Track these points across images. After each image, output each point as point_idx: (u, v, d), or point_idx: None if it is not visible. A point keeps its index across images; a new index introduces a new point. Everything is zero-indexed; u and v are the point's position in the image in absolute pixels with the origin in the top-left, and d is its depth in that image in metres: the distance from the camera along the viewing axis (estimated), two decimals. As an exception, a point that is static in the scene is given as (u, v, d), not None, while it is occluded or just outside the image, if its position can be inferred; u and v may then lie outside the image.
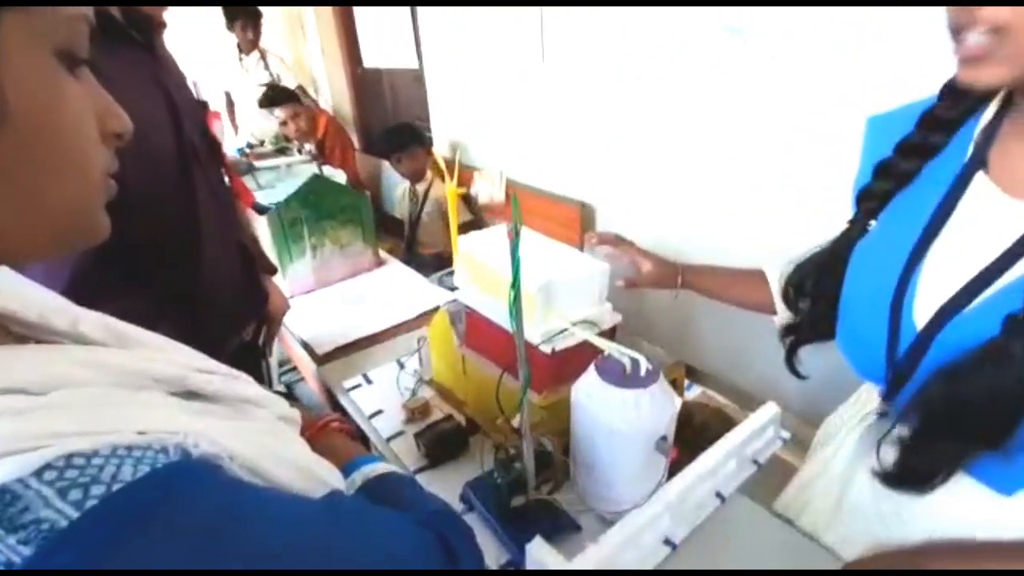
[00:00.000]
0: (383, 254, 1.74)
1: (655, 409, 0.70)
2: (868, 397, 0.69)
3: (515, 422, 0.87)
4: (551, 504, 0.79)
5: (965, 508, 0.55)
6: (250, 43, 2.77)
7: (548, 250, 0.89)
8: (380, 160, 2.68)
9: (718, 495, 0.84)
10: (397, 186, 2.35)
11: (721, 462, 0.84)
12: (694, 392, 1.09)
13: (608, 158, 1.63)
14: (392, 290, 1.53)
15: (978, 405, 0.45)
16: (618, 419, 0.70)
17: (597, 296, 0.85)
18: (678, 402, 0.74)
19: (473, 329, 0.98)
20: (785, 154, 1.26)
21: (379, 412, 1.09)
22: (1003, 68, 0.40)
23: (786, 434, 0.96)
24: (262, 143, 1.94)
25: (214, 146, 0.93)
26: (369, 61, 2.96)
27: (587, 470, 0.80)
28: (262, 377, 1.08)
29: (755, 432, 0.90)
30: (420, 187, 2.23)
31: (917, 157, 0.56)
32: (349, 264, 1.63)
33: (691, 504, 0.80)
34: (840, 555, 0.73)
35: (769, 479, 0.89)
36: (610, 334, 1.10)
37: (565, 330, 0.79)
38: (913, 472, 0.53)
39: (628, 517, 0.72)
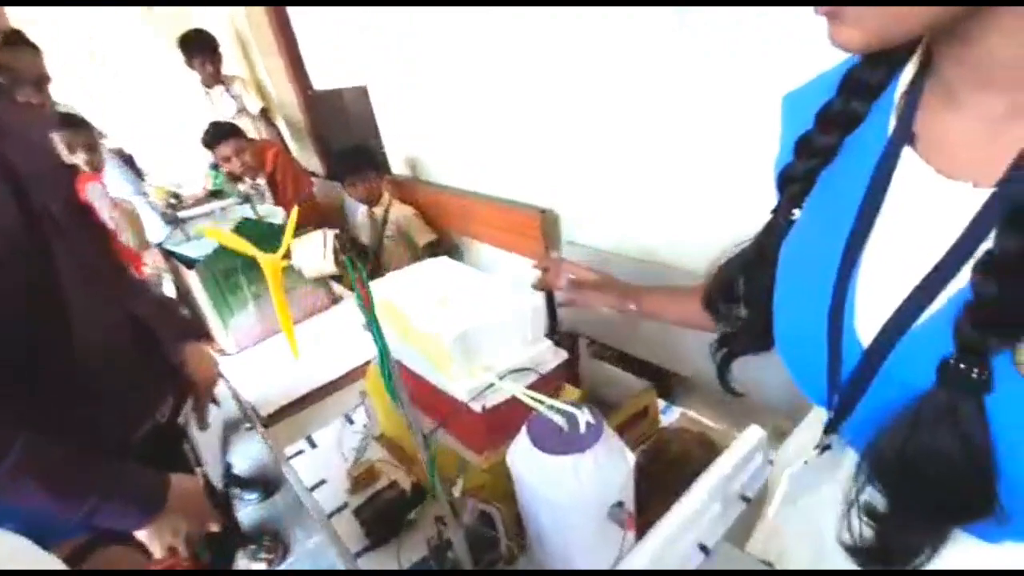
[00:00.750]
0: (338, 289, 1.62)
1: (601, 474, 0.58)
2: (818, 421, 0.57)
3: (455, 490, 0.75)
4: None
5: (949, 556, 0.45)
6: (211, 76, 2.74)
7: (470, 287, 0.77)
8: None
9: (701, 548, 0.72)
10: (357, 211, 2.24)
11: (703, 507, 0.71)
12: (672, 415, 0.97)
13: (567, 160, 1.51)
14: (347, 331, 1.41)
15: (934, 471, 0.37)
16: (557, 491, 0.58)
17: (531, 336, 0.73)
18: (630, 459, 0.62)
19: (407, 382, 0.86)
20: (752, 146, 1.13)
21: (322, 482, 0.97)
22: (854, 30, 0.35)
23: (775, 456, 0.83)
24: (178, 200, 1.80)
25: (83, 213, 0.81)
26: (318, 83, 2.84)
27: (538, 542, 0.68)
28: (185, 461, 0.97)
29: (740, 463, 0.77)
30: (378, 210, 2.11)
31: (838, 128, 0.47)
32: (299, 307, 1.52)
33: (671, 563, 0.68)
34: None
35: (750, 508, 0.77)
36: (569, 364, 0.98)
37: (492, 385, 0.67)
38: (890, 550, 0.42)
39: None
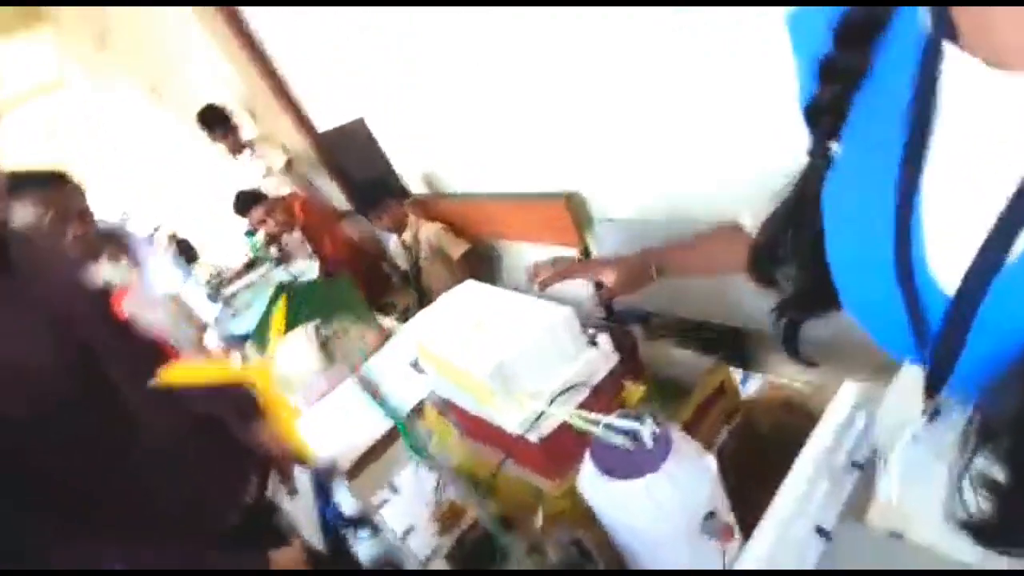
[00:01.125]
0: (387, 323, 1.63)
1: (680, 489, 0.52)
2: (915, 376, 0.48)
3: (537, 521, 0.71)
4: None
5: None
6: (234, 144, 2.85)
7: (500, 311, 0.72)
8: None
9: (819, 532, 0.64)
10: (388, 241, 2.25)
11: (811, 485, 0.64)
12: (753, 384, 0.88)
13: (583, 138, 1.43)
14: (402, 366, 1.41)
15: None
16: (636, 517, 0.53)
17: (572, 348, 0.67)
18: (711, 464, 0.55)
19: (463, 419, 0.83)
20: (771, 77, 1.01)
21: (411, 530, 0.96)
22: None
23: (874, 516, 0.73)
24: (220, 277, 1.86)
25: (128, 330, 0.84)
26: (321, 125, 2.88)
27: (635, 563, 0.63)
28: (277, 533, 0.99)
29: (841, 429, 0.69)
30: (407, 235, 2.11)
31: (862, 40, 0.39)
32: (348, 351, 1.53)
33: (788, 560, 0.61)
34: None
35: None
36: (628, 357, 0.92)
37: (543, 413, 0.62)
38: (1013, 527, 0.34)
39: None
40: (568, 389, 0.64)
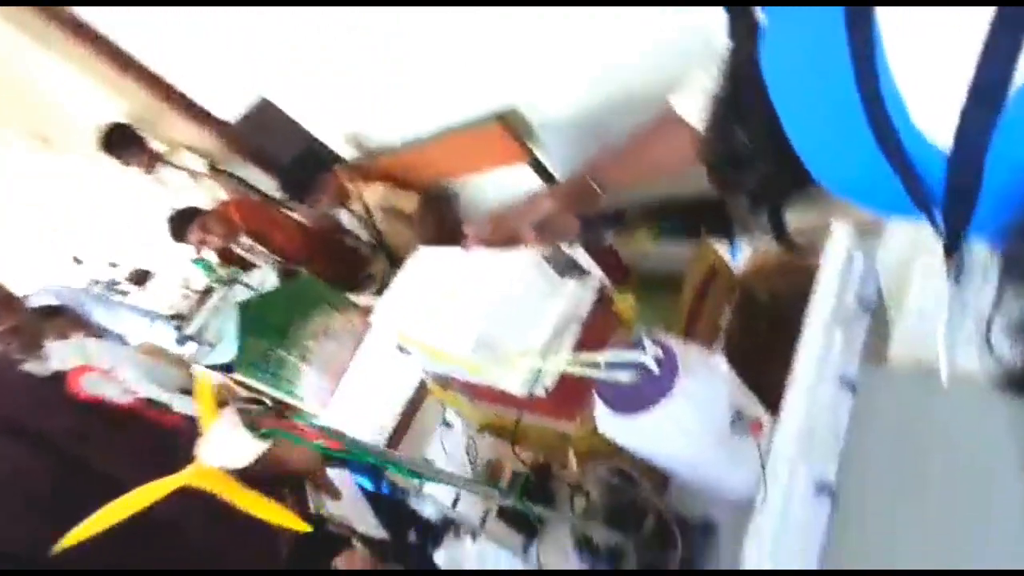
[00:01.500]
0: (366, 302, 1.57)
1: (699, 404, 0.49)
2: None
3: (571, 464, 0.70)
4: (668, 528, 0.63)
5: None
6: (149, 160, 2.65)
7: (460, 276, 0.66)
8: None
9: (845, 383, 0.63)
10: (339, 216, 2.13)
11: (826, 341, 0.62)
12: (743, 255, 0.84)
13: (503, 45, 1.27)
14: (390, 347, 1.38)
15: None
16: (661, 444, 0.51)
17: (548, 288, 0.62)
18: (721, 365, 0.52)
19: (466, 387, 0.80)
20: None
21: (458, 498, 0.97)
22: None
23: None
24: (180, 317, 1.68)
25: (98, 407, 0.79)
26: (222, 113, 2.64)
27: (675, 482, 0.63)
28: (335, 540, 1.00)
29: (842, 275, 0.65)
30: (356, 206, 1.99)
31: None
32: (346, 342, 1.49)
33: (822, 422, 0.60)
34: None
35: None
36: (610, 265, 0.87)
37: (540, 371, 0.58)
38: None
39: (757, 516, 0.54)
40: (560, 332, 0.60)
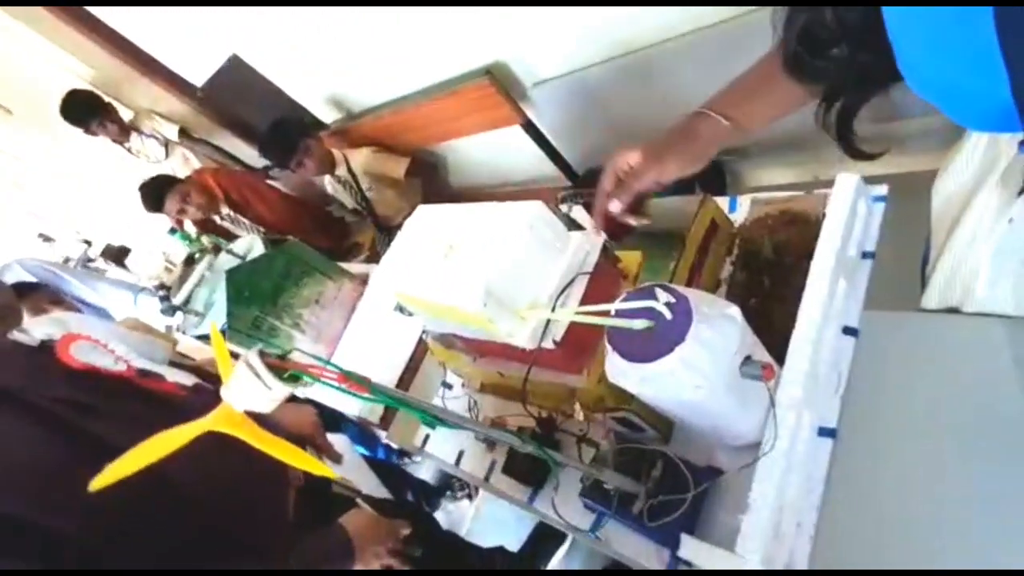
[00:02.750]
0: (359, 268, 1.55)
1: (712, 349, 0.50)
2: (992, 140, 0.43)
3: (577, 415, 0.71)
4: (676, 474, 0.64)
5: None
6: (118, 130, 2.46)
7: (464, 231, 0.65)
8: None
9: (848, 331, 0.64)
10: (323, 183, 2.08)
11: (829, 295, 0.63)
12: (742, 209, 0.84)
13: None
14: (389, 310, 1.37)
15: None
16: (678, 391, 0.51)
17: (555, 240, 0.61)
18: (734, 312, 0.52)
19: (470, 345, 0.80)
20: None
21: (461, 454, 0.98)
22: None
23: (881, 190, 0.70)
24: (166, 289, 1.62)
25: (94, 377, 0.77)
26: (197, 78, 2.53)
27: (682, 428, 0.64)
28: (340, 500, 1.01)
29: (845, 226, 0.66)
30: (340, 171, 1.94)
31: None
32: (338, 310, 1.48)
33: (825, 369, 0.62)
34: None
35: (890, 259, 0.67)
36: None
37: (549, 322, 0.58)
38: None
39: (764, 459, 0.55)
40: (567, 285, 0.60)
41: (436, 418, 0.45)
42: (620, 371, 0.53)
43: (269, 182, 2.44)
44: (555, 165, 1.52)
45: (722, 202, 0.86)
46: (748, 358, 0.52)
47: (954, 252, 0.55)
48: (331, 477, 0.73)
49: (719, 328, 0.50)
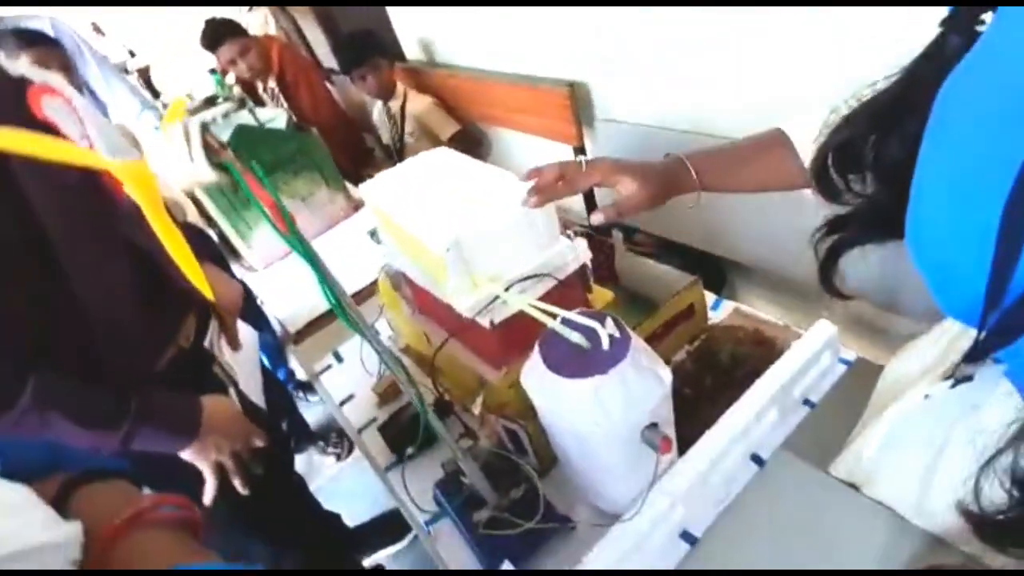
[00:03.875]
0: (357, 193, 1.53)
1: (629, 397, 0.48)
2: (953, 340, 0.43)
3: (475, 408, 0.69)
4: (533, 504, 0.62)
5: None
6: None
7: (472, 182, 0.64)
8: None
9: (755, 459, 0.64)
10: (372, 107, 2.07)
11: (759, 414, 0.62)
12: (723, 312, 0.85)
13: (596, 26, 1.25)
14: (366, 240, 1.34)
15: None
16: (577, 418, 0.50)
17: (544, 236, 0.61)
18: (666, 377, 0.51)
19: (417, 294, 0.78)
20: None
21: (350, 397, 0.95)
22: None
23: (850, 356, 0.71)
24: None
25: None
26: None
27: (566, 463, 0.62)
28: (219, 383, 0.96)
29: (804, 364, 0.66)
30: (394, 104, 1.93)
31: None
32: (319, 217, 1.45)
33: (718, 480, 0.61)
34: (932, 533, 0.52)
35: (824, 421, 0.67)
36: (604, 261, 0.86)
37: (498, 298, 0.56)
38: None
39: (627, 524, 0.53)
40: (531, 277, 0.59)
41: (340, 305, 0.43)
42: (536, 375, 0.52)
43: (327, 83, 2.42)
44: (583, 199, 1.53)
45: (709, 297, 0.87)
46: (655, 425, 0.51)
47: (867, 435, 0.55)
48: (211, 300, 0.67)
49: (645, 381, 0.49)
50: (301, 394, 2.12)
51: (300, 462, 1.84)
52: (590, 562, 0.52)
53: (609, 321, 0.51)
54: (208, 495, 0.83)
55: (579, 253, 0.63)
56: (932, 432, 0.45)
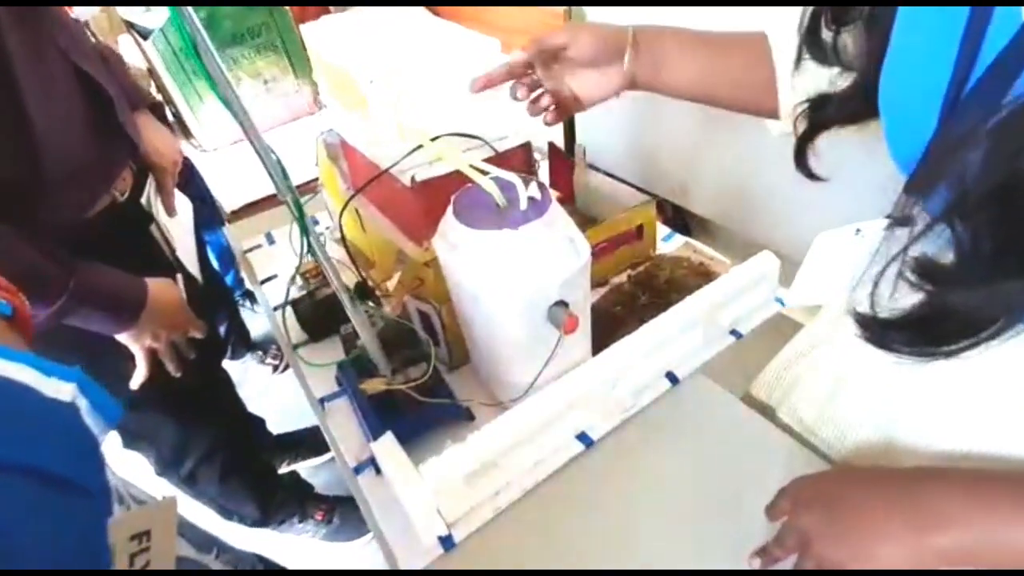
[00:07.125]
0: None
1: (537, 258, 0.44)
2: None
3: (390, 284, 0.64)
4: (433, 390, 0.58)
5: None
6: None
7: (436, 35, 0.58)
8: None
9: (670, 376, 0.61)
10: None
11: (677, 332, 0.59)
12: (674, 244, 0.81)
13: None
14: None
15: None
16: (480, 275, 0.46)
17: (491, 99, 0.55)
18: (584, 252, 0.48)
19: (353, 165, 0.72)
20: None
21: (273, 277, 0.90)
22: None
23: (789, 298, 0.68)
24: None
25: None
26: None
27: (472, 346, 0.58)
28: (156, 250, 0.88)
29: (737, 292, 0.63)
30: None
31: None
32: (282, 106, 1.36)
33: (626, 389, 0.58)
34: (830, 458, 0.50)
35: (762, 358, 0.64)
36: (564, 172, 0.81)
37: (420, 147, 0.51)
38: (944, 318, 0.29)
39: (518, 412, 0.50)
40: (462, 136, 0.54)
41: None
42: (446, 229, 0.47)
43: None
44: (563, 135, 1.46)
45: (663, 229, 0.83)
46: (564, 304, 0.48)
47: (786, 352, 0.53)
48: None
49: (558, 248, 0.45)
50: (247, 303, 2.05)
51: (235, 369, 1.79)
52: (475, 441, 0.49)
53: (535, 184, 0.46)
54: (136, 381, 0.78)
55: (519, 129, 0.58)
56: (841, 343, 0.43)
